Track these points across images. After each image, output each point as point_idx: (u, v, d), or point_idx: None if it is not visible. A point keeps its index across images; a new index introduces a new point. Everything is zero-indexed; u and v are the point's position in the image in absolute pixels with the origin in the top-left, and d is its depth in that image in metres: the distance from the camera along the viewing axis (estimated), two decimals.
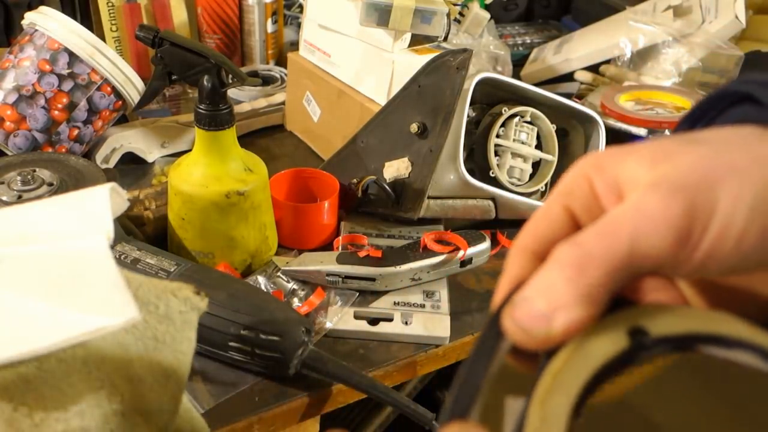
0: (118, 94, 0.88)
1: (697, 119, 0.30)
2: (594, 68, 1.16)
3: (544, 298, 0.22)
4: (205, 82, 0.67)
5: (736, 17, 1.08)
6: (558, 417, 0.21)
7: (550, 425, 0.20)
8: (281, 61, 1.21)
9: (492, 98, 0.85)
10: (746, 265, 0.23)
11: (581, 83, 1.16)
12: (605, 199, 0.25)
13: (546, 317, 0.22)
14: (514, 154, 0.83)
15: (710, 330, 0.22)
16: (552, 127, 0.85)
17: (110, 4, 1.09)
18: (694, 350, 0.22)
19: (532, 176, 0.85)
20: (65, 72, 0.84)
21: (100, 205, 0.49)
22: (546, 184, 0.86)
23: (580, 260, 0.22)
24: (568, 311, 0.22)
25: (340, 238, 0.78)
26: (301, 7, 1.28)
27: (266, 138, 1.03)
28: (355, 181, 0.83)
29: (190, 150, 0.74)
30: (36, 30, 0.85)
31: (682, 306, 0.23)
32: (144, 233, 0.76)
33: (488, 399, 0.22)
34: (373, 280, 0.71)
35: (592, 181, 0.25)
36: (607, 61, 1.15)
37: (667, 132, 0.91)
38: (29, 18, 0.87)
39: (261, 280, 0.72)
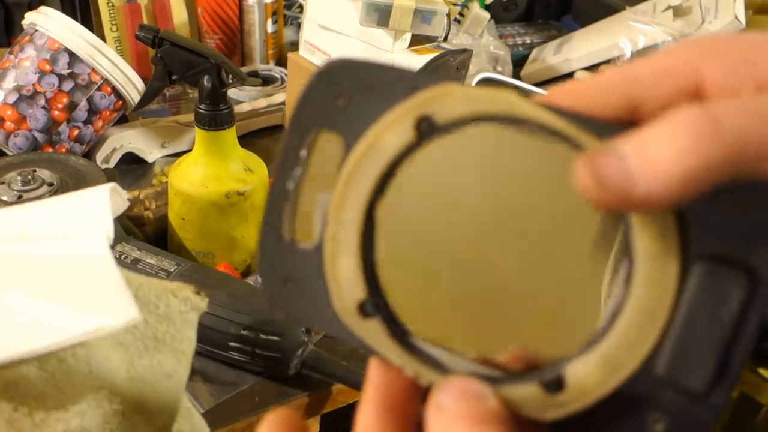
0: (118, 94, 0.88)
1: None
2: (594, 68, 1.16)
3: (641, 159, 0.18)
4: (205, 82, 0.67)
5: (736, 17, 1.08)
6: (351, 220, 0.22)
7: (346, 228, 0.22)
8: (281, 61, 1.21)
9: None
10: None
11: None
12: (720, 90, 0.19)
13: (631, 179, 0.18)
14: None
15: (497, 111, 0.22)
16: None
17: (110, 4, 1.09)
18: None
19: None
20: (65, 72, 0.84)
21: (100, 205, 0.49)
22: None
23: (705, 134, 0.17)
24: (659, 185, 0.17)
25: None
26: (301, 7, 1.28)
27: (266, 138, 1.03)
28: None
29: (190, 150, 0.74)
30: (36, 30, 0.85)
31: (470, 87, 0.23)
32: (144, 233, 0.76)
33: (296, 200, 0.24)
34: None
35: (703, 72, 0.20)
36: (607, 62, 1.15)
37: None
38: (29, 18, 0.87)
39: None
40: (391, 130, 0.22)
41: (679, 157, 0.17)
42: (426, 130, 0.22)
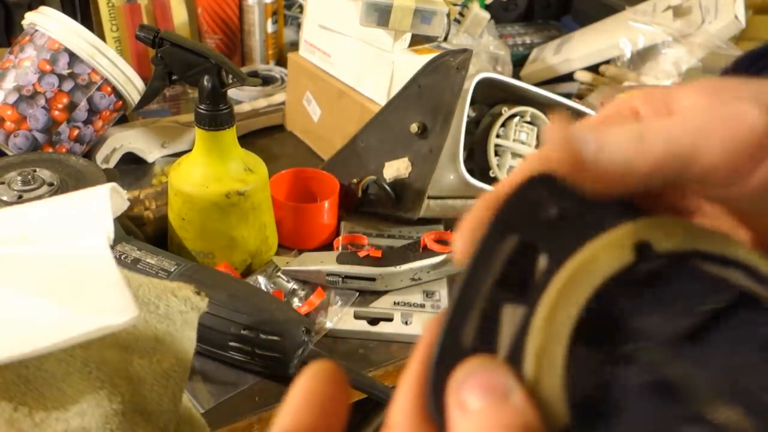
0: (118, 94, 0.88)
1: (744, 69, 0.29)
2: (594, 68, 1.16)
3: (599, 141, 0.21)
4: (205, 82, 0.67)
5: (736, 17, 1.08)
6: (562, 334, 0.21)
7: (555, 342, 0.20)
8: (281, 61, 1.21)
9: (492, 98, 0.85)
10: None
11: (581, 83, 1.16)
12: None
13: (594, 144, 0.21)
14: (514, 154, 0.83)
15: (710, 248, 0.22)
16: None
17: (110, 4, 1.09)
18: (690, 265, 0.22)
19: None
20: (65, 72, 0.84)
21: (100, 205, 0.49)
22: None
23: (642, 133, 0.21)
24: (610, 163, 0.21)
25: (340, 238, 0.78)
26: (301, 7, 1.28)
27: (266, 138, 1.03)
28: (355, 181, 0.83)
29: (190, 150, 0.74)
30: (36, 30, 0.85)
31: (687, 221, 0.23)
32: (144, 233, 0.76)
33: (484, 306, 0.22)
34: (373, 280, 0.71)
35: (638, 111, 0.24)
36: (607, 62, 1.15)
37: None
38: (29, 18, 0.87)
39: (261, 280, 0.72)
40: (608, 251, 0.22)
41: (626, 146, 0.21)
42: (644, 255, 0.22)
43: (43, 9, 0.87)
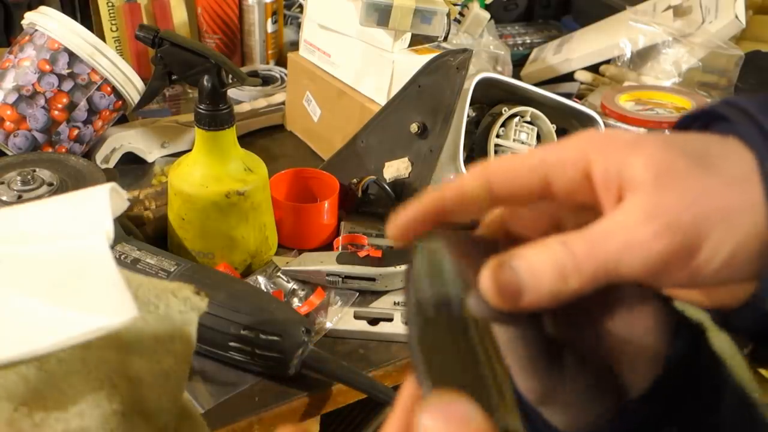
0: (118, 94, 0.88)
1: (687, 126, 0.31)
2: (594, 68, 1.16)
3: (529, 278, 0.26)
4: (205, 82, 0.67)
5: (736, 17, 1.08)
6: None
7: None
8: (281, 61, 1.21)
9: (492, 98, 0.85)
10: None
11: (581, 83, 1.16)
12: (602, 191, 0.27)
13: (522, 292, 0.26)
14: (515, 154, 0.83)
15: None
16: (552, 127, 0.84)
17: (110, 4, 1.09)
18: None
19: None
20: (65, 72, 0.84)
21: (100, 205, 0.49)
22: None
23: (566, 266, 0.26)
24: (539, 298, 0.26)
25: (340, 238, 0.78)
26: (301, 7, 1.28)
27: (266, 138, 1.03)
28: (355, 181, 0.83)
29: (190, 150, 0.74)
30: (36, 30, 0.85)
31: None
32: (144, 233, 0.76)
33: None
34: (373, 280, 0.71)
35: (591, 164, 0.27)
36: (607, 61, 1.15)
37: (666, 132, 0.91)
38: (29, 18, 0.87)
39: (261, 280, 0.72)
40: None
41: (552, 283, 0.26)
42: None
43: (42, 9, 0.87)
